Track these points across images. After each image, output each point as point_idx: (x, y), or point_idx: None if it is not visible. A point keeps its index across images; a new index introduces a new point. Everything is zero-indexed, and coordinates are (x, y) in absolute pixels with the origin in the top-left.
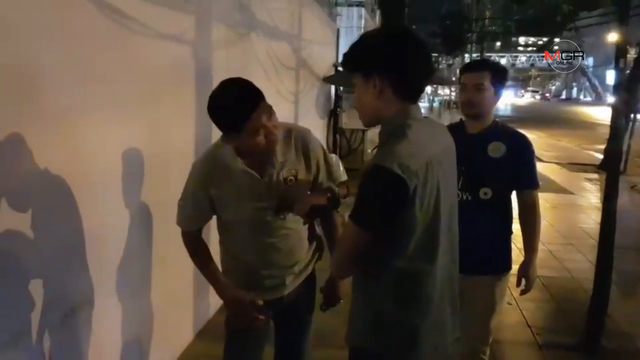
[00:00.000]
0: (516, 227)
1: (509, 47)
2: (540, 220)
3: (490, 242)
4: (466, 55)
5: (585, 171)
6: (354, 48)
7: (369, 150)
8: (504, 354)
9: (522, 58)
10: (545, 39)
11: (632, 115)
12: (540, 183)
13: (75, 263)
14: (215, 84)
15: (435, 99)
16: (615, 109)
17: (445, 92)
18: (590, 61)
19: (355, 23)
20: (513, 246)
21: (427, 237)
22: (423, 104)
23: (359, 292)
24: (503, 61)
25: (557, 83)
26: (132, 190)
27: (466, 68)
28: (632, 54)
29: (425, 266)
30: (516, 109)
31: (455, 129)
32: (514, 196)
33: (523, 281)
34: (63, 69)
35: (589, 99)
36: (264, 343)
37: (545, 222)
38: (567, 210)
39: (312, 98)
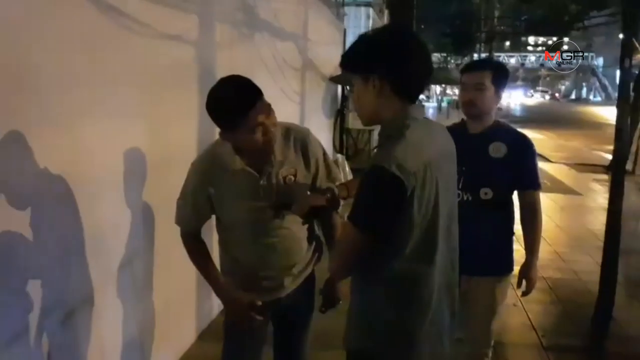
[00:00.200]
0: (518, 228)
1: (518, 47)
2: (541, 222)
3: (491, 242)
4: (475, 55)
5: (594, 172)
6: (353, 48)
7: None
8: (509, 356)
9: (532, 58)
10: (554, 39)
11: None
12: (543, 184)
13: (77, 263)
14: None
15: (444, 98)
16: (619, 108)
17: (454, 92)
18: (600, 61)
19: (363, 23)
20: (516, 247)
21: (426, 238)
22: (431, 104)
23: (356, 294)
24: (512, 61)
25: (567, 83)
26: (135, 190)
27: (467, 68)
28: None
29: (423, 268)
30: (525, 108)
31: (456, 129)
32: (515, 197)
33: (524, 283)
34: (65, 70)
35: (598, 99)
36: (262, 344)
37: (552, 223)
38: (575, 212)
39: (319, 98)
